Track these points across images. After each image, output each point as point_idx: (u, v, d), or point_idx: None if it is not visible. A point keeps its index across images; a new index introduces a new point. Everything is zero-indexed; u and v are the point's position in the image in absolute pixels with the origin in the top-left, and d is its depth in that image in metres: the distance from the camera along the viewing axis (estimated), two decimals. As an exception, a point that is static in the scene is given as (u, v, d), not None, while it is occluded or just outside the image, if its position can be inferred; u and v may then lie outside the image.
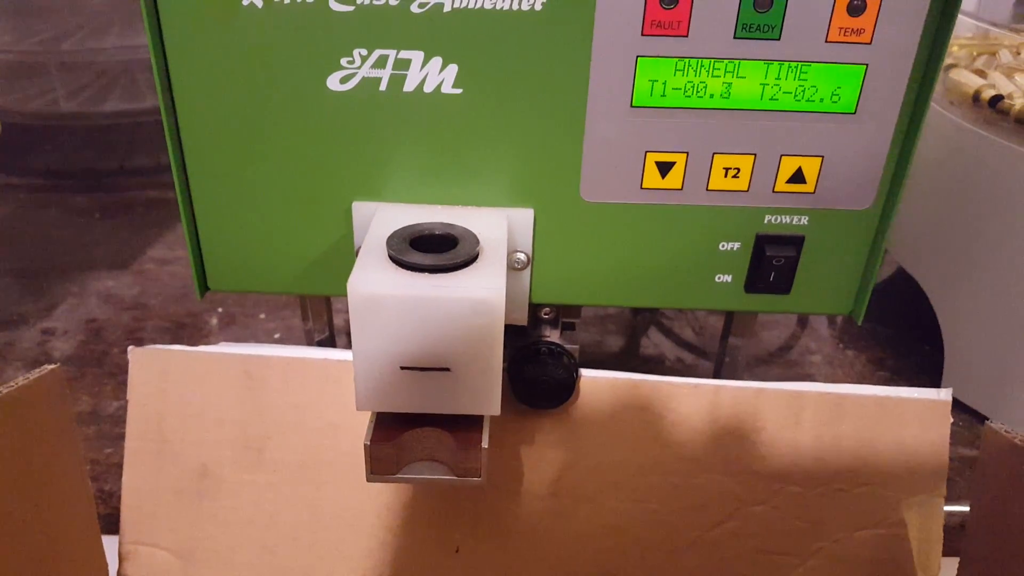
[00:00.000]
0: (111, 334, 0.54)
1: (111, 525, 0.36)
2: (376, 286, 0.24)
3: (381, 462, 0.26)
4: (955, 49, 0.51)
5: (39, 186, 0.79)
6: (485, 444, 0.26)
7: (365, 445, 0.26)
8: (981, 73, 0.47)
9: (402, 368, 0.25)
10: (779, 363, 0.55)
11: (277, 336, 0.55)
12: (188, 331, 0.55)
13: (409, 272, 0.24)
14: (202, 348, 0.36)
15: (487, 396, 0.25)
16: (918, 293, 0.53)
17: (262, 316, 0.57)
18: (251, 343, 0.36)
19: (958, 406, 0.49)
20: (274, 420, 0.35)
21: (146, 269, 0.63)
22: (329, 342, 0.39)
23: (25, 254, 0.65)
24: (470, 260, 0.25)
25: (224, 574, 0.35)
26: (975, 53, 0.50)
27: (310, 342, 0.39)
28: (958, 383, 0.49)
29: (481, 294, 0.24)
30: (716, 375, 0.42)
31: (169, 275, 0.62)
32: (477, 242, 0.26)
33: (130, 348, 0.36)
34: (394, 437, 0.26)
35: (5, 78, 0.84)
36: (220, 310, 0.57)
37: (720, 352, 0.38)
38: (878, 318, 0.60)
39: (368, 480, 0.26)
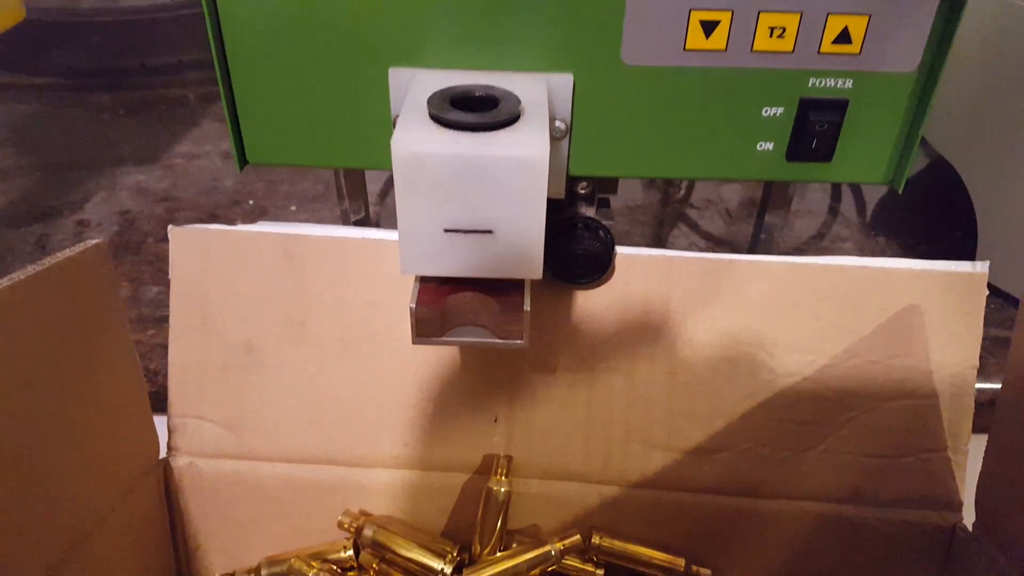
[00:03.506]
0: (145, 224, 0.55)
1: (159, 403, 0.38)
2: (420, 145, 0.23)
3: (426, 325, 0.27)
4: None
5: (61, 85, 0.79)
6: (527, 307, 0.26)
7: (411, 308, 0.26)
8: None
9: (446, 231, 0.25)
10: (812, 250, 0.55)
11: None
12: (221, 222, 0.55)
13: (452, 131, 0.24)
14: (240, 227, 0.36)
15: (529, 259, 0.26)
16: (951, 183, 0.52)
17: (293, 208, 0.57)
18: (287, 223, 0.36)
19: (991, 288, 0.49)
20: (314, 297, 0.36)
21: (174, 163, 0.63)
22: (365, 222, 0.39)
23: (52, 151, 0.65)
24: (513, 119, 0.25)
25: (271, 444, 0.37)
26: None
27: (346, 222, 0.39)
28: (992, 267, 0.49)
29: (525, 152, 0.24)
30: (753, 243, 0.41)
31: (198, 169, 0.62)
32: (519, 102, 0.26)
33: (170, 227, 0.36)
34: (438, 301, 0.26)
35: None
36: (251, 202, 0.58)
37: (756, 229, 0.37)
38: (910, 206, 0.59)
39: (414, 343, 0.27)
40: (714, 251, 0.35)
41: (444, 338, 0.27)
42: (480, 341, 0.27)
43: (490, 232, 0.25)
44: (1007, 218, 0.48)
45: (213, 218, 0.56)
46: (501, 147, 0.24)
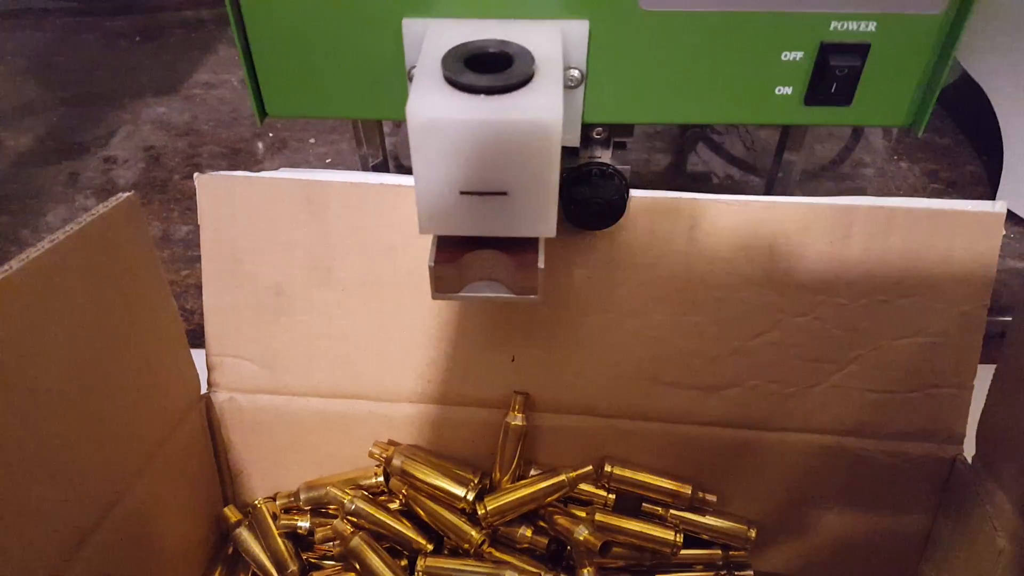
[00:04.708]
0: (170, 160, 0.56)
1: (196, 339, 0.40)
2: (434, 111, 0.24)
3: (444, 281, 0.28)
4: None
5: (74, 9, 0.78)
6: (541, 265, 0.27)
7: (429, 266, 0.27)
8: None
9: (461, 193, 0.26)
10: (831, 176, 0.54)
11: (328, 161, 0.56)
12: (243, 157, 0.56)
13: (466, 94, 0.24)
14: (263, 174, 0.37)
15: (543, 218, 0.26)
16: (978, 102, 0.51)
17: (312, 140, 0.57)
18: (307, 168, 0.37)
19: (1012, 218, 0.49)
20: (337, 242, 0.37)
21: (194, 94, 0.64)
22: (383, 167, 0.40)
23: (73, 82, 0.66)
24: (526, 79, 0.25)
25: (304, 380, 0.39)
26: None
27: (365, 167, 0.40)
28: (1015, 195, 0.49)
29: (538, 116, 0.24)
30: (768, 190, 0.42)
31: (217, 99, 0.63)
32: (532, 60, 0.26)
33: (196, 175, 0.37)
34: (455, 258, 0.27)
35: None
36: (271, 135, 0.58)
37: (773, 167, 0.37)
38: (935, 128, 0.58)
39: (433, 298, 0.28)
40: (737, 177, 0.35)
41: (462, 293, 0.28)
42: (496, 296, 0.28)
43: (505, 193, 0.26)
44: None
45: (235, 152, 0.57)
46: (515, 111, 0.24)
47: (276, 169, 0.38)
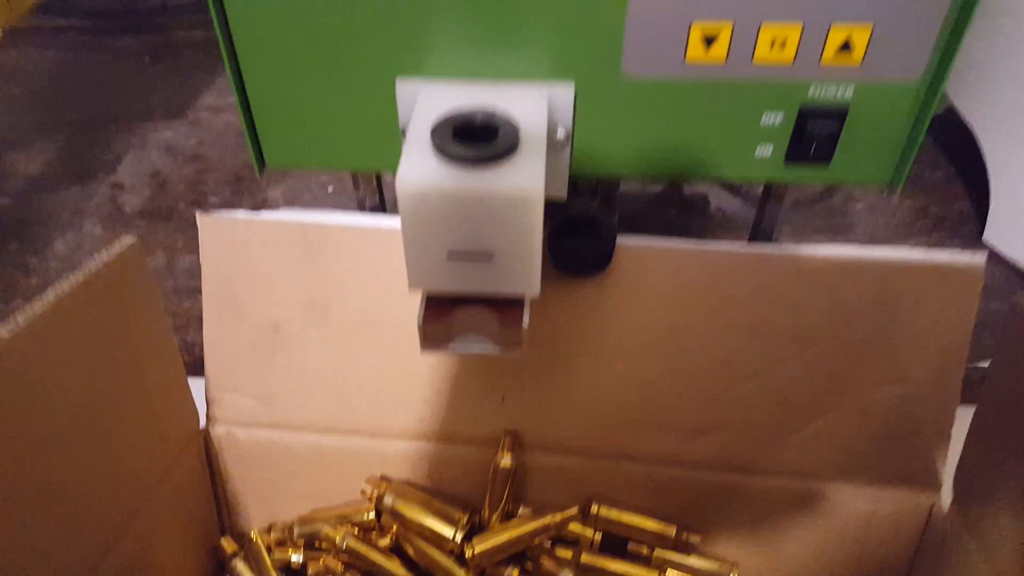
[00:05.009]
0: (176, 187, 0.57)
1: (198, 369, 0.41)
2: (422, 182, 0.25)
3: (432, 337, 0.29)
4: None
5: (85, 27, 0.80)
6: (526, 323, 0.28)
7: (418, 323, 0.28)
8: None
9: (448, 254, 0.27)
10: (821, 210, 0.55)
11: (330, 189, 0.57)
12: (246, 184, 0.57)
13: (453, 165, 0.25)
14: (264, 214, 0.38)
15: (527, 279, 0.27)
16: (967, 135, 0.51)
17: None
18: (308, 209, 0.38)
19: (997, 260, 0.50)
20: (334, 282, 0.38)
21: (201, 118, 0.65)
22: (379, 208, 0.41)
23: (83, 104, 0.67)
24: (510, 150, 0.26)
25: (299, 415, 0.40)
26: None
27: (362, 209, 0.41)
28: (1002, 236, 0.49)
29: (520, 187, 0.25)
30: (755, 229, 0.42)
31: (223, 124, 0.64)
32: (516, 131, 0.27)
33: (199, 215, 0.38)
34: (443, 316, 0.28)
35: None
36: (274, 162, 0.60)
37: (758, 215, 0.38)
38: (927, 162, 0.58)
39: (421, 352, 0.29)
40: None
41: (449, 347, 0.29)
42: (482, 350, 0.29)
43: (490, 255, 0.27)
44: (1021, 188, 0.48)
45: (239, 179, 0.58)
46: (498, 182, 0.25)
47: (279, 195, 0.39)
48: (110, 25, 0.81)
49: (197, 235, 0.38)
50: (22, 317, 0.28)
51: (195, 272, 0.42)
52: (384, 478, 0.40)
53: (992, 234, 0.50)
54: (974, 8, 0.27)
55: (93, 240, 0.51)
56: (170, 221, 0.53)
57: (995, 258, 0.51)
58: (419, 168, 0.25)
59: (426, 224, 0.26)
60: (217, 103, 0.68)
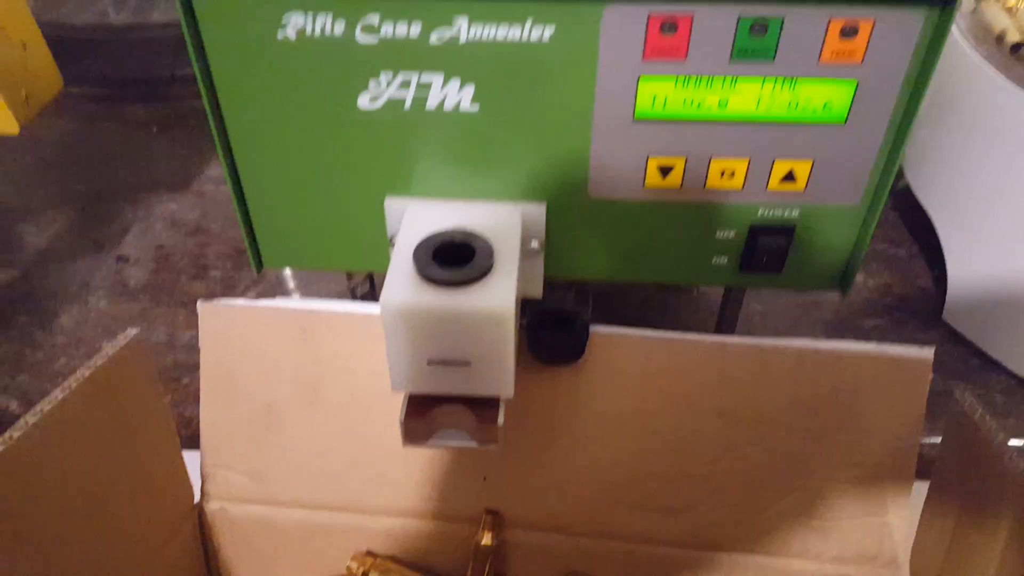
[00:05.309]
0: (179, 261, 0.60)
1: (194, 443, 0.43)
2: (404, 302, 0.28)
3: (413, 432, 0.31)
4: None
5: (97, 96, 0.83)
6: (501, 422, 0.31)
7: (400, 421, 0.31)
8: (1013, 10, 0.46)
9: (428, 362, 0.29)
10: (786, 291, 0.57)
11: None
12: (247, 258, 0.60)
13: (432, 286, 0.28)
14: (261, 303, 0.41)
15: (502, 383, 0.30)
16: (925, 215, 0.54)
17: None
18: (304, 298, 0.41)
19: (955, 339, 0.52)
20: (326, 366, 0.41)
21: (205, 190, 0.68)
22: (371, 296, 0.43)
23: (92, 175, 0.70)
24: (485, 272, 0.29)
25: (290, 492, 0.42)
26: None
27: (353, 297, 0.43)
28: (958, 317, 0.52)
29: (494, 306, 0.28)
30: (721, 314, 0.45)
31: (226, 197, 0.67)
32: (491, 252, 0.30)
33: (199, 303, 0.41)
34: (424, 413, 0.31)
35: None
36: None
37: (719, 316, 0.41)
38: (891, 239, 0.61)
39: (403, 446, 0.32)
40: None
41: (429, 442, 0.32)
42: (460, 445, 0.32)
43: (467, 362, 0.29)
44: (975, 274, 0.51)
45: (240, 252, 0.61)
46: (473, 302, 0.28)
47: (275, 298, 0.41)
48: (123, 94, 0.85)
49: (195, 308, 0.41)
50: (32, 417, 0.30)
51: (195, 347, 0.44)
52: (370, 553, 0.42)
53: (950, 314, 0.53)
54: (903, 146, 0.30)
55: (98, 314, 0.54)
56: (172, 295, 0.56)
57: (954, 336, 0.54)
58: (401, 289, 0.28)
59: (407, 338, 0.28)
60: (221, 174, 0.71)
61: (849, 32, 0.27)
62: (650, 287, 0.57)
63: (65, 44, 0.83)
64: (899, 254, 0.60)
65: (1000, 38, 0.44)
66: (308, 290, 0.57)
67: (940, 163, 0.52)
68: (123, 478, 0.36)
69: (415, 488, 0.42)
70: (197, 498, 0.43)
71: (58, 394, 0.32)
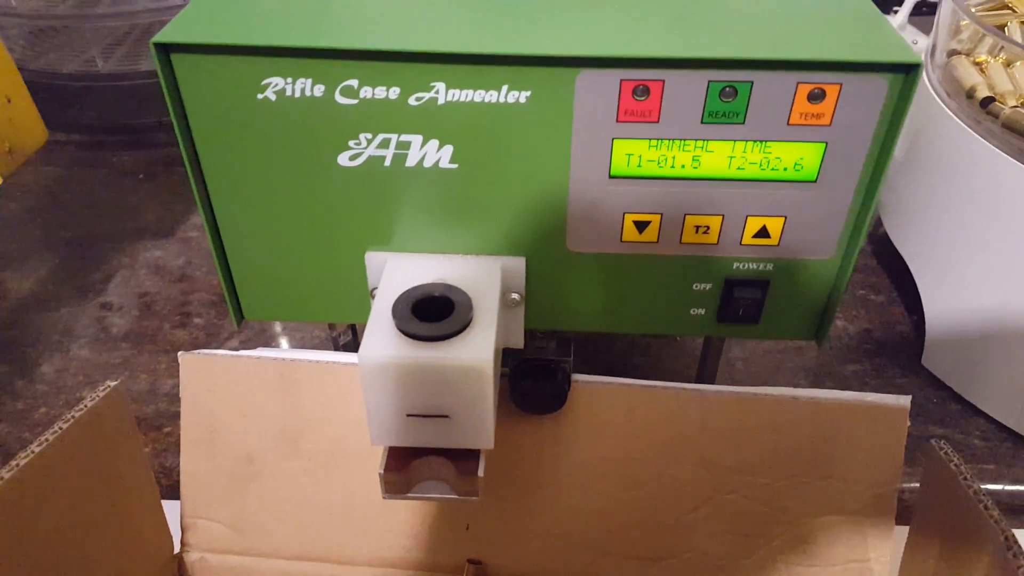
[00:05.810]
0: (162, 308, 0.60)
1: (174, 493, 0.43)
2: (382, 358, 0.28)
3: (393, 484, 0.31)
4: (963, 26, 0.51)
5: (84, 143, 0.84)
6: (481, 473, 0.31)
7: (379, 474, 0.31)
8: (983, 66, 0.48)
9: (408, 415, 0.29)
10: (763, 345, 0.58)
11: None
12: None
13: (411, 340, 0.29)
14: (242, 353, 0.41)
15: (481, 435, 0.30)
16: (902, 260, 0.55)
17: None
18: (283, 348, 0.41)
19: (935, 384, 0.53)
20: (307, 416, 0.41)
21: (189, 237, 0.68)
22: (352, 346, 0.44)
23: (76, 222, 0.70)
24: (464, 326, 0.29)
25: (270, 544, 0.42)
26: (981, 35, 0.49)
27: (336, 347, 0.44)
28: (936, 362, 0.53)
29: (472, 361, 0.28)
30: (699, 373, 0.46)
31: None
32: (470, 306, 0.30)
33: (180, 355, 0.41)
34: (404, 466, 0.31)
35: (41, 40, 0.87)
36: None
37: (700, 366, 0.41)
38: (871, 285, 0.62)
39: (384, 498, 0.32)
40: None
41: (410, 494, 0.32)
42: (440, 497, 0.32)
43: (446, 416, 0.30)
44: (952, 320, 0.52)
45: (222, 300, 0.61)
46: (452, 357, 0.28)
47: (256, 348, 0.41)
48: (109, 141, 0.85)
49: (177, 356, 0.41)
50: (7, 472, 0.30)
51: (176, 396, 0.44)
52: (351, 607, 0.42)
53: (928, 359, 0.54)
54: (874, 201, 0.31)
55: (80, 363, 0.53)
56: (155, 344, 0.56)
57: (934, 381, 0.55)
58: (380, 343, 0.29)
59: (386, 392, 0.29)
60: (205, 220, 0.71)
61: (817, 96, 0.28)
62: (632, 333, 0.58)
63: (53, 91, 0.84)
64: (878, 300, 0.61)
65: (971, 93, 0.45)
66: (293, 336, 0.57)
67: (916, 211, 0.53)
68: (103, 529, 0.36)
69: (396, 538, 0.42)
70: (177, 548, 0.42)
71: (35, 447, 0.31)
